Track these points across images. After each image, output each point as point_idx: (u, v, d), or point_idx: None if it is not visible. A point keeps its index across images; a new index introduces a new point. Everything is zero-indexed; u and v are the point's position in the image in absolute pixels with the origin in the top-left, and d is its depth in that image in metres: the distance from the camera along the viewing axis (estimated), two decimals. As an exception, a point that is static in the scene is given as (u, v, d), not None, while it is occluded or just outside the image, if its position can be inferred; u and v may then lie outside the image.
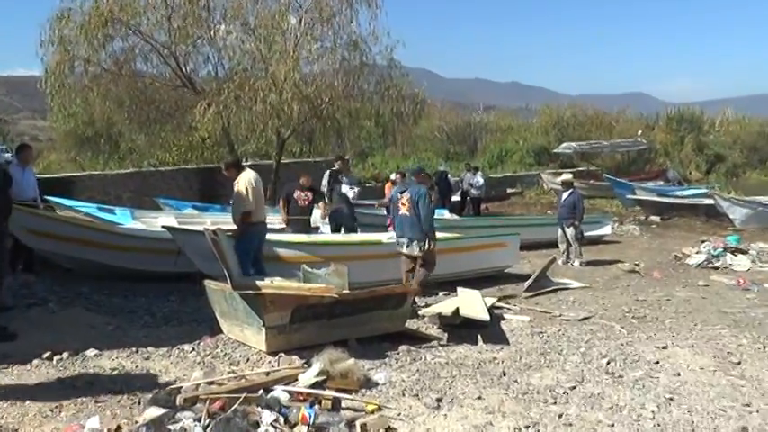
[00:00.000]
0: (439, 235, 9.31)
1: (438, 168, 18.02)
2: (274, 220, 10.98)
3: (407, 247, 7.38)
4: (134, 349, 5.11)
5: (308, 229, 9.09)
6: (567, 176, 11.70)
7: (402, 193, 7.52)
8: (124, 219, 10.01)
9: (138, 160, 19.11)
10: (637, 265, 10.47)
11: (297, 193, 9.19)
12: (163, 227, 7.86)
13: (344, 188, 10.63)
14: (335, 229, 9.80)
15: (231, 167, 7.08)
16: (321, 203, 9.35)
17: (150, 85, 14.47)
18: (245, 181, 6.79)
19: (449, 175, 16.18)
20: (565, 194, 11.00)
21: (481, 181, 16.97)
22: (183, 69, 14.27)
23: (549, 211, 17.96)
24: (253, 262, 6.66)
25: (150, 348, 5.15)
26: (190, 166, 16.83)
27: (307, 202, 9.14)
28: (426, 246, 7.28)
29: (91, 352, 4.97)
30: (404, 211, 7.38)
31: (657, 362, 5.25)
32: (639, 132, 29.79)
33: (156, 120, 15.26)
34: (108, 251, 7.89)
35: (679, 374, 4.96)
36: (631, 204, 18.46)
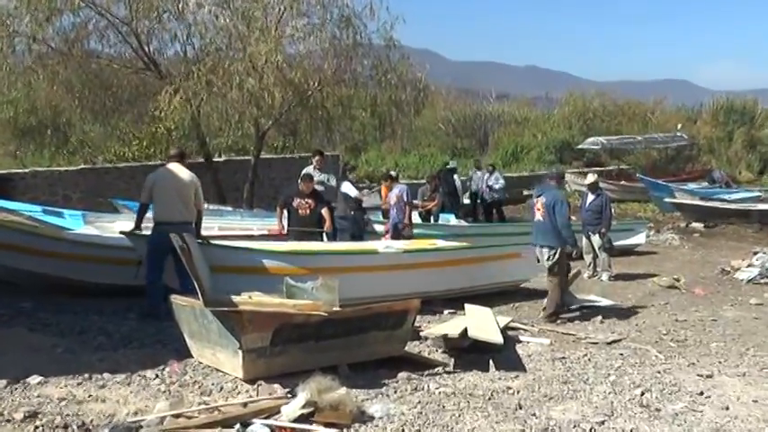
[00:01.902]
0: (444, 244, 9.42)
1: (446, 165, 18.06)
2: (252, 226, 11.08)
3: (541, 255, 7.99)
4: (86, 376, 5.10)
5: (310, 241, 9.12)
6: (593, 177, 11.76)
7: (538, 197, 8.14)
8: (74, 223, 9.98)
9: (92, 155, 19.08)
10: (676, 279, 10.51)
11: (296, 201, 9.24)
12: (121, 232, 7.83)
13: (347, 187, 10.74)
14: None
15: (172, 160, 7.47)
16: (326, 211, 9.36)
17: (106, 67, 14.48)
18: None
19: (456, 174, 16.19)
20: (591, 197, 11.04)
21: (502, 181, 17.01)
22: (146, 49, 14.29)
23: (572, 217, 17.97)
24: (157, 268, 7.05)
25: (106, 375, 5.14)
26: (153, 162, 16.79)
27: (308, 211, 9.18)
28: (556, 255, 7.82)
29: (34, 379, 4.96)
30: (539, 216, 8.04)
31: (701, 393, 5.27)
32: (679, 125, 29.87)
33: (114, 108, 15.27)
34: (55, 261, 7.87)
35: (728, 408, 4.98)
36: (670, 209, 18.53)
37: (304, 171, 10.99)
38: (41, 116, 20.91)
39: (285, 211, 9.35)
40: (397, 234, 10.63)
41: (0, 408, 4.50)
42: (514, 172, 25.98)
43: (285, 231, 9.23)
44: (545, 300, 8.35)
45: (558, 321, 7.84)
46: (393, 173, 12.54)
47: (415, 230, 11.00)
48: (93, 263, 7.89)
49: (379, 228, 11.44)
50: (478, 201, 17.03)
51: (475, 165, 18.10)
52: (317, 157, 10.98)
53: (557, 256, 7.91)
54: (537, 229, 8.14)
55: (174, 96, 13.00)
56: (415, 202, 11.18)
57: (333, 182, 10.76)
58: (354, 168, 11.08)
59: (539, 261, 8.19)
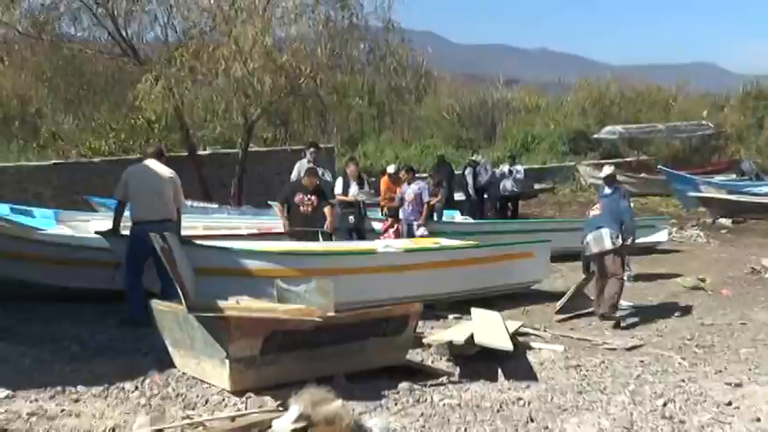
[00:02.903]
0: (449, 243, 9.42)
1: (441, 158, 18.06)
2: (240, 224, 11.09)
3: (599, 240, 8.14)
4: (59, 388, 5.09)
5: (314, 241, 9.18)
6: (609, 169, 11.71)
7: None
8: (46, 222, 9.99)
9: (64, 149, 19.04)
10: (702, 280, 10.52)
11: (298, 197, 9.22)
12: (96, 232, 7.84)
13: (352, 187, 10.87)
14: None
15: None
16: (328, 209, 9.37)
17: (80, 52, 14.47)
18: None
19: (480, 168, 16.23)
20: (607, 191, 11.04)
21: (522, 173, 17.01)
22: (123, 32, 14.29)
23: (588, 212, 17.98)
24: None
25: (80, 387, 5.13)
26: (131, 156, 16.79)
27: (310, 209, 9.18)
28: (619, 239, 8.09)
29: (1, 393, 4.95)
30: (597, 210, 8.89)
31: (729, 403, 5.27)
32: (705, 113, 29.86)
33: (88, 97, 15.28)
34: (24, 264, 7.87)
35: (759, 420, 4.97)
36: (694, 204, 18.53)
37: (298, 164, 11.02)
38: (8, 107, 20.85)
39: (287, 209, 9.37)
40: (410, 234, 10.71)
41: (-35, 424, 4.50)
42: (525, 164, 25.98)
43: (288, 230, 9.24)
44: (558, 303, 8.35)
45: (572, 328, 7.83)
46: (391, 168, 12.58)
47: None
48: (67, 265, 7.90)
49: (376, 225, 11.47)
50: (485, 195, 17.02)
51: (469, 164, 17.88)
52: (311, 150, 10.98)
53: (620, 240, 8.11)
54: (598, 219, 8.60)
55: (154, 84, 13.01)
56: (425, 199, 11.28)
57: (328, 176, 10.79)
58: (354, 159, 11.22)
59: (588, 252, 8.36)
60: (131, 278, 7.16)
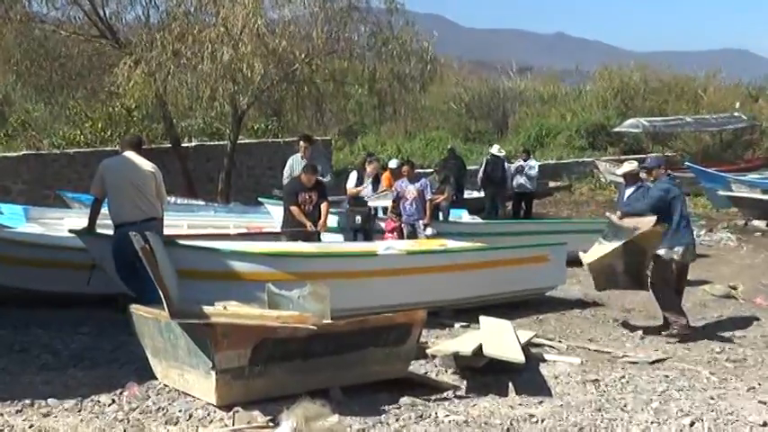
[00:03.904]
0: (455, 245, 9.42)
1: (450, 150, 18.07)
2: (228, 223, 11.10)
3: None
4: (27, 402, 5.08)
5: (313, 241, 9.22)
6: (631, 165, 11.65)
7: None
8: (14, 219, 9.98)
9: (36, 139, 19.05)
10: (733, 287, 10.51)
11: (301, 196, 9.36)
12: (71, 231, 7.83)
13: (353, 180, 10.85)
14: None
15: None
16: (324, 206, 9.45)
17: (53, 33, 14.48)
18: None
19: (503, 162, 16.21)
20: (629, 190, 10.94)
21: (536, 169, 17.00)
22: (101, 12, 14.29)
23: (607, 213, 17.95)
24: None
25: (51, 400, 5.13)
26: (109, 147, 16.81)
27: (311, 207, 9.29)
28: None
29: (-35, 406, 4.96)
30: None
31: (764, 424, 5.25)
32: (737, 104, 29.81)
33: (62, 83, 15.26)
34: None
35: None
36: (725, 204, 18.51)
37: (291, 159, 11.01)
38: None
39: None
40: (414, 235, 10.71)
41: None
42: (539, 159, 26.01)
43: (313, 229, 9.27)
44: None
45: (591, 339, 7.83)
46: (393, 162, 12.58)
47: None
48: (38, 267, 7.88)
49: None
50: (493, 193, 17.00)
51: (495, 159, 17.84)
52: (302, 143, 10.97)
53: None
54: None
55: (134, 69, 13.01)
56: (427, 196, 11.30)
57: (329, 176, 10.68)
58: (373, 155, 11.26)
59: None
60: (127, 277, 7.03)
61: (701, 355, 7.19)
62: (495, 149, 16.74)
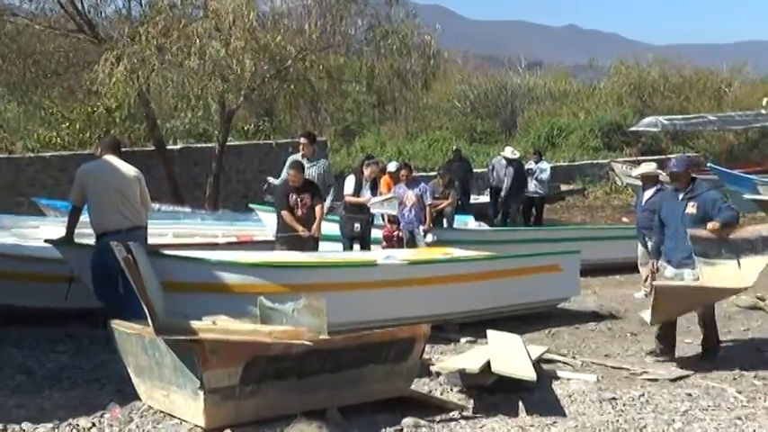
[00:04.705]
0: (461, 254, 9.42)
1: (456, 152, 18.10)
2: (217, 231, 11.10)
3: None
4: (0, 426, 5.08)
5: (307, 249, 9.22)
6: (649, 167, 11.72)
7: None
8: (-14, 229, 9.98)
9: (8, 141, 19.10)
10: (760, 298, 10.48)
11: (291, 198, 9.30)
12: (47, 241, 7.84)
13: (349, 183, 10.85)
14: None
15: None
16: (318, 208, 9.41)
17: (26, 28, 14.49)
18: None
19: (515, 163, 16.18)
20: (647, 193, 11.01)
21: (548, 172, 17.01)
22: (79, 5, 14.31)
23: (624, 218, 17.97)
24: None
25: (26, 425, 5.11)
26: (89, 150, 16.83)
27: (303, 211, 9.25)
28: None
29: (-70, 433, 4.96)
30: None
31: (795, 446, 5.26)
32: (765, 100, 29.83)
33: (37, 81, 15.27)
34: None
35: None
36: (751, 208, 18.50)
37: (290, 159, 10.94)
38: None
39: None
40: (413, 243, 10.71)
41: None
42: (551, 161, 26.06)
43: (306, 234, 9.23)
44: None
45: (607, 355, 7.83)
46: (392, 165, 12.61)
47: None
48: (11, 280, 7.85)
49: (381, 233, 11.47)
50: (499, 199, 17.01)
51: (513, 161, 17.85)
52: (302, 140, 10.81)
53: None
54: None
55: (115, 66, 13.03)
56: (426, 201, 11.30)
57: (329, 198, 10.48)
58: (372, 157, 11.22)
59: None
60: (104, 294, 7.06)
61: (727, 372, 7.16)
62: (508, 152, 16.63)
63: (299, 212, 9.24)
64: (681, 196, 7.60)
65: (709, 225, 7.32)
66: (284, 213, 9.35)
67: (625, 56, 37.04)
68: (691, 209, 7.47)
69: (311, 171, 10.26)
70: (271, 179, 12.31)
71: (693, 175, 7.80)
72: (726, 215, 7.43)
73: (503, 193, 16.08)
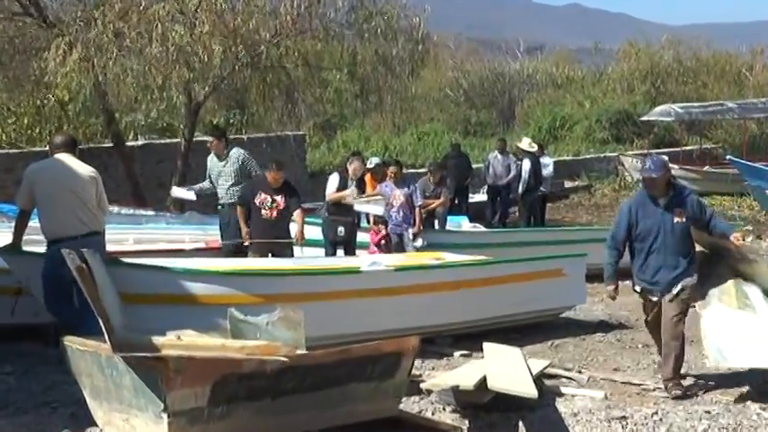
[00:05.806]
0: (454, 258, 9.43)
1: (455, 146, 18.13)
2: (183, 236, 11.09)
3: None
4: (-61, 457, 5.07)
5: (283, 254, 9.27)
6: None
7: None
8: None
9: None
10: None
11: (260, 197, 9.25)
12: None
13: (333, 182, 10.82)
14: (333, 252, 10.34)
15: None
16: (299, 213, 9.44)
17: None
18: None
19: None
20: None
21: (551, 168, 17.01)
22: (28, -13, 14.25)
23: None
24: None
25: (-29, 453, 5.12)
26: (39, 147, 16.76)
27: (275, 213, 9.23)
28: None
29: None
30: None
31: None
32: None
33: (-22, 71, 15.21)
34: None
35: None
36: (776, 205, 18.63)
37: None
38: None
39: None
40: (401, 247, 10.72)
41: None
42: (553, 155, 26.14)
43: (247, 242, 9.31)
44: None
45: (616, 369, 7.86)
46: (375, 160, 12.63)
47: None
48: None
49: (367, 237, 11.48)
50: (499, 197, 17.06)
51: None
52: (212, 139, 10.85)
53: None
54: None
55: (67, 53, 12.97)
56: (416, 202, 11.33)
57: (252, 166, 10.37)
58: (358, 153, 11.29)
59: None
60: (56, 307, 7.02)
61: (748, 387, 7.20)
62: (525, 143, 16.52)
63: (270, 214, 9.23)
64: (663, 204, 7.06)
65: (733, 237, 7.17)
66: (239, 210, 9.36)
67: (635, 37, 37.13)
68: (679, 218, 7.02)
69: (227, 169, 10.36)
70: (175, 188, 12.46)
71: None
72: (725, 223, 7.44)
73: (520, 190, 16.07)
